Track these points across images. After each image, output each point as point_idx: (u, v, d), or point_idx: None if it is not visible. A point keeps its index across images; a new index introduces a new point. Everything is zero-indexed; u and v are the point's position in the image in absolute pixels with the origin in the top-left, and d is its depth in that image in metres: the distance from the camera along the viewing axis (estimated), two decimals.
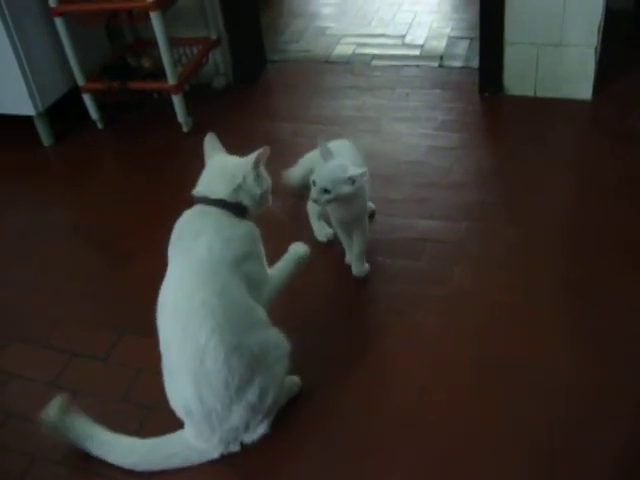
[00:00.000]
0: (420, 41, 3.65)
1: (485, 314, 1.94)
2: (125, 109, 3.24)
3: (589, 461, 1.53)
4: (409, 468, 1.57)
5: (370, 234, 2.08)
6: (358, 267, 2.09)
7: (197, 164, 1.69)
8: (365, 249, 2.07)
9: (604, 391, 1.68)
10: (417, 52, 3.54)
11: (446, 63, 3.38)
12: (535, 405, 1.67)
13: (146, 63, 3.13)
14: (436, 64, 3.38)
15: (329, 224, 2.15)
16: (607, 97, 2.86)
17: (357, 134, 2.74)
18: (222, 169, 1.64)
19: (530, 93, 2.94)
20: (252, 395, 1.55)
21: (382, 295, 2.08)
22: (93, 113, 3.11)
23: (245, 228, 1.62)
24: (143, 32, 3.28)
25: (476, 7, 2.93)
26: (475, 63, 3.13)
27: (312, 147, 2.09)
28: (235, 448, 1.62)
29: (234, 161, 1.66)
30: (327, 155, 1.87)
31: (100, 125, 3.15)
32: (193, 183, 1.65)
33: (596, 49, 2.75)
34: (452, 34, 3.68)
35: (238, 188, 1.61)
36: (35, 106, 2.91)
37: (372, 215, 2.30)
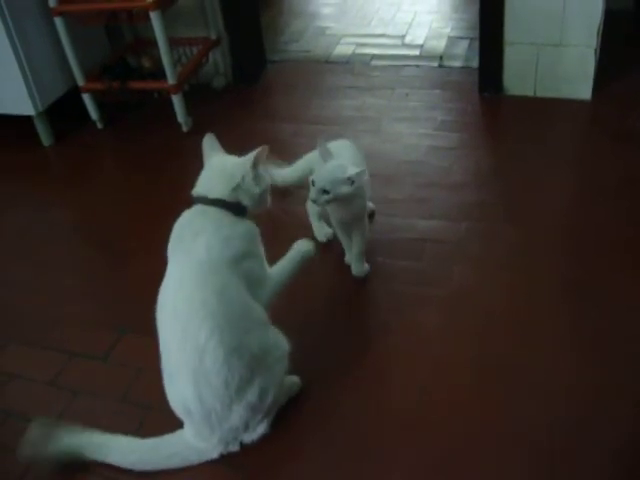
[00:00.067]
0: (420, 41, 3.65)
1: (485, 314, 1.94)
2: (125, 109, 3.24)
3: (589, 461, 1.53)
4: (409, 468, 1.57)
5: (370, 234, 2.08)
6: (358, 267, 2.09)
7: (197, 164, 1.69)
8: (365, 249, 2.07)
9: (604, 391, 1.68)
10: (417, 52, 3.54)
11: (446, 63, 3.38)
12: (535, 405, 1.67)
13: (146, 63, 3.13)
14: (436, 64, 3.39)
15: (329, 224, 2.15)
16: (607, 97, 2.86)
17: (357, 134, 2.74)
18: (221, 169, 1.64)
19: (530, 93, 2.94)
20: (252, 395, 1.55)
21: (382, 295, 2.08)
22: (93, 113, 3.11)
23: (245, 227, 1.62)
24: (143, 32, 3.28)
25: (476, 7, 2.93)
26: (475, 63, 3.13)
27: (312, 147, 2.09)
28: (235, 448, 1.62)
29: (233, 161, 1.66)
30: (326, 155, 1.87)
31: (100, 125, 3.15)
32: (193, 183, 1.65)
33: (596, 49, 2.75)
34: (452, 34, 3.68)
35: (237, 188, 1.61)
36: (35, 106, 2.91)
37: (372, 215, 2.30)
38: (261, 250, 1.66)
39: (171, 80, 2.90)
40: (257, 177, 1.64)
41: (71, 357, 1.97)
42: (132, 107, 3.24)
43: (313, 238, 2.19)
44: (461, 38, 3.61)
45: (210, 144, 1.70)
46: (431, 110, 2.99)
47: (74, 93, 3.07)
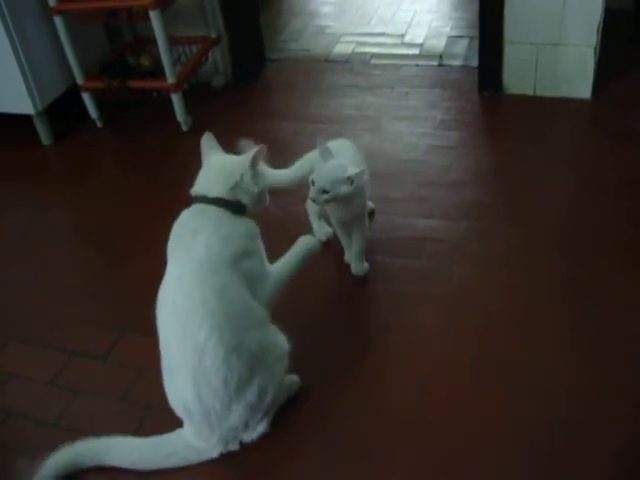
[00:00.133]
0: (419, 40, 3.65)
1: (485, 313, 1.94)
2: (124, 108, 3.24)
3: (589, 461, 1.54)
4: (409, 468, 1.57)
5: (370, 233, 2.08)
6: (357, 266, 2.09)
7: (196, 163, 1.69)
8: (364, 248, 2.07)
9: (604, 391, 1.68)
10: (416, 51, 3.54)
11: (445, 62, 3.38)
12: (535, 405, 1.67)
13: (145, 62, 3.13)
14: (435, 63, 3.38)
15: (328, 223, 2.15)
16: (606, 97, 2.86)
17: (356, 133, 2.74)
18: (220, 168, 1.64)
19: (529, 92, 2.94)
20: (251, 394, 1.55)
21: (381, 294, 2.08)
22: (92, 112, 3.10)
23: (244, 226, 1.62)
24: (142, 31, 3.28)
25: (475, 6, 2.93)
26: (474, 62, 3.13)
27: (312, 146, 2.09)
28: (234, 447, 1.62)
29: (231, 159, 1.66)
30: (326, 155, 1.87)
31: (99, 124, 3.14)
32: (192, 182, 1.65)
33: (595, 48, 2.75)
34: (451, 33, 3.68)
35: (236, 186, 1.61)
36: (34, 105, 2.91)
37: (372, 214, 2.30)
38: (261, 248, 1.66)
39: (170, 79, 2.89)
40: (256, 176, 1.64)
41: (71, 357, 1.97)
42: (131, 106, 3.24)
43: None
44: (461, 37, 3.61)
45: (208, 143, 1.70)
46: (431, 109, 2.99)
47: (73, 92, 3.07)
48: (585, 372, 1.73)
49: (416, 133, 2.83)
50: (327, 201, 1.86)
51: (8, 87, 2.87)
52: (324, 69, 3.49)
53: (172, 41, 2.96)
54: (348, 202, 1.91)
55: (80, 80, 3.01)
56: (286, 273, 1.69)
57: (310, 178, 1.86)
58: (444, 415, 1.68)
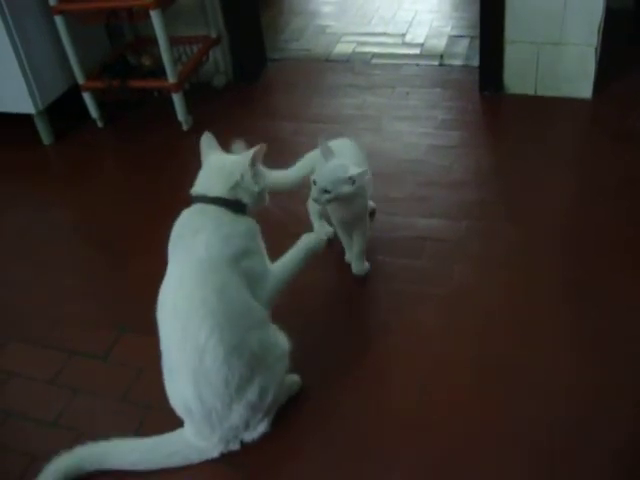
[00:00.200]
0: (420, 40, 3.65)
1: (485, 313, 1.94)
2: (125, 107, 3.24)
3: (589, 461, 1.53)
4: (409, 468, 1.57)
5: (370, 233, 2.08)
6: (358, 266, 2.09)
7: (197, 163, 1.69)
8: (365, 248, 2.07)
9: (604, 391, 1.68)
10: (417, 51, 3.53)
11: (446, 62, 3.38)
12: (535, 405, 1.67)
13: (146, 61, 3.13)
14: (436, 63, 3.38)
15: (329, 223, 2.15)
16: (607, 96, 2.86)
17: (357, 133, 2.74)
18: (220, 167, 1.64)
19: (530, 92, 2.94)
20: (252, 394, 1.55)
21: (382, 294, 2.08)
22: (93, 111, 3.10)
23: (245, 225, 1.62)
24: (143, 30, 3.28)
25: (476, 6, 2.93)
26: (475, 62, 3.13)
27: (312, 146, 2.09)
28: (235, 447, 1.62)
29: (231, 159, 1.66)
30: (328, 154, 1.87)
31: (100, 124, 3.14)
32: (193, 182, 1.65)
33: (596, 48, 2.75)
34: (452, 33, 3.67)
35: (236, 185, 1.61)
36: (35, 104, 2.91)
37: (372, 214, 2.30)
38: (262, 247, 1.66)
39: (171, 79, 2.90)
40: (256, 175, 1.64)
41: (71, 356, 1.97)
42: (132, 106, 3.24)
43: None
44: (461, 37, 3.60)
45: (208, 143, 1.69)
46: (431, 109, 2.99)
47: (74, 92, 3.07)
48: (585, 372, 1.73)
49: (417, 133, 2.83)
50: (329, 201, 1.86)
51: (9, 86, 2.87)
52: (325, 69, 3.49)
53: (173, 41, 2.96)
54: (349, 202, 1.91)
55: (81, 80, 3.01)
56: (287, 272, 1.68)
57: (312, 178, 1.86)
58: (444, 415, 1.67)
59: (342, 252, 2.14)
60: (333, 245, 2.18)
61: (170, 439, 1.63)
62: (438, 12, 4.00)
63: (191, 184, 1.65)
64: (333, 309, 2.06)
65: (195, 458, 1.61)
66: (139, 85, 3.02)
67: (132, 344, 1.98)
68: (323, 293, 2.11)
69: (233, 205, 1.61)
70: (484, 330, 1.89)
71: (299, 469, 1.61)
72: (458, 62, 3.35)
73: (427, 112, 2.97)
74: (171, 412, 1.60)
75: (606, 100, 2.84)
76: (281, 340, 1.65)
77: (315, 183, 1.83)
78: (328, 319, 2.01)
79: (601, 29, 2.71)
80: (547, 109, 2.86)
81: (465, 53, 3.42)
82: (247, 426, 1.60)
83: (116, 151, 3.12)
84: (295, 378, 1.75)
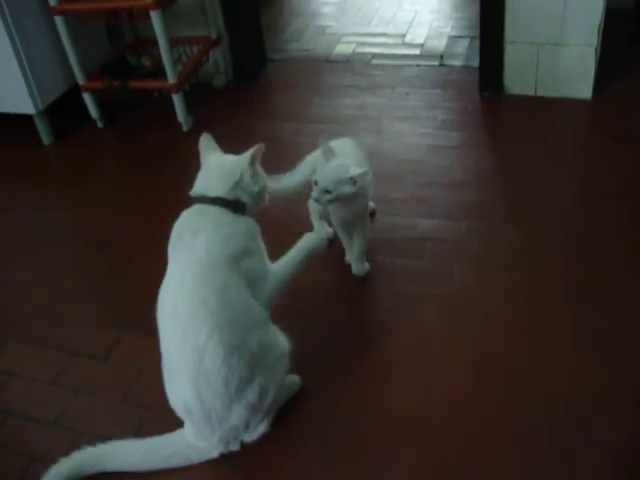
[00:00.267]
0: (420, 40, 3.65)
1: (485, 314, 1.94)
2: (125, 108, 3.24)
3: (589, 461, 1.53)
4: (409, 468, 1.57)
5: (370, 233, 2.08)
6: (358, 266, 2.09)
7: (197, 163, 1.69)
8: (365, 248, 2.07)
9: (604, 391, 1.68)
10: (417, 51, 3.54)
11: (446, 62, 3.38)
12: (535, 405, 1.67)
13: (146, 62, 3.13)
14: (436, 63, 3.38)
15: (329, 223, 2.15)
16: (607, 97, 2.86)
17: (357, 133, 2.73)
18: (219, 167, 1.64)
19: (530, 92, 2.94)
20: (252, 394, 1.55)
21: (382, 294, 2.08)
22: (93, 112, 3.11)
23: (245, 224, 1.62)
24: (143, 31, 3.28)
25: (476, 6, 2.93)
26: (475, 62, 3.13)
27: (313, 146, 2.09)
28: (235, 447, 1.62)
29: (230, 159, 1.66)
30: (329, 154, 1.87)
31: (100, 124, 3.15)
32: (193, 182, 1.65)
33: (596, 48, 2.75)
34: (452, 33, 3.68)
35: (236, 185, 1.61)
36: (35, 105, 2.91)
37: (373, 214, 2.30)
38: (262, 247, 1.65)
39: (171, 79, 2.90)
40: (255, 174, 1.64)
41: (72, 356, 1.97)
42: (132, 106, 3.24)
43: None
44: (461, 37, 3.61)
45: (206, 143, 1.69)
46: (431, 109, 2.99)
47: (74, 92, 3.07)
48: (585, 372, 1.73)
49: (417, 133, 2.83)
50: (330, 201, 1.85)
51: (9, 87, 2.87)
52: (325, 69, 3.49)
53: (173, 41, 2.97)
54: (350, 202, 1.91)
55: (81, 80, 3.01)
56: (287, 273, 1.68)
57: (313, 178, 1.86)
58: (444, 415, 1.67)
59: (342, 252, 2.14)
60: (333, 245, 2.18)
61: (170, 440, 1.63)
62: (438, 12, 4.00)
63: (191, 184, 1.65)
64: (333, 309, 2.06)
65: (195, 459, 1.61)
66: (139, 85, 3.02)
67: (132, 344, 1.98)
68: (323, 293, 2.11)
69: (233, 205, 1.61)
70: (484, 330, 1.89)
71: (299, 469, 1.61)
72: (458, 62, 3.36)
73: (427, 112, 2.97)
74: (171, 412, 1.60)
75: (606, 100, 2.84)
76: (281, 340, 1.65)
77: (316, 183, 1.83)
78: (328, 319, 2.01)
79: (601, 29, 2.71)
80: (547, 109, 2.86)
81: (465, 53, 3.42)
82: (247, 427, 1.60)
83: (116, 151, 3.12)
84: (295, 378, 1.75)
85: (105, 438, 1.63)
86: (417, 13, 4.01)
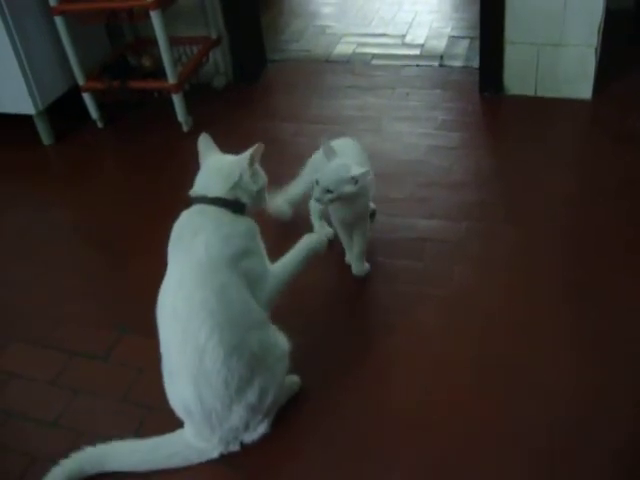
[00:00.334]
0: (420, 41, 3.65)
1: (485, 314, 1.94)
2: (125, 108, 3.24)
3: (589, 461, 1.53)
4: (409, 468, 1.57)
5: (370, 233, 2.08)
6: (358, 267, 2.09)
7: (197, 164, 1.69)
8: (365, 249, 2.07)
9: (604, 391, 1.68)
10: (417, 52, 3.54)
11: (446, 63, 3.38)
12: (535, 405, 1.67)
13: (146, 62, 3.13)
14: (436, 64, 3.38)
15: (329, 223, 2.15)
16: (607, 97, 2.86)
17: (357, 133, 2.72)
18: (218, 168, 1.64)
19: (530, 93, 2.94)
20: (252, 395, 1.55)
21: (382, 295, 2.08)
22: (93, 112, 3.11)
23: (244, 224, 1.62)
24: (143, 31, 3.28)
25: (476, 7, 2.93)
26: (475, 63, 3.13)
27: (313, 146, 2.09)
28: (235, 448, 1.62)
29: (230, 159, 1.66)
30: (330, 154, 1.87)
31: (100, 124, 3.15)
32: (193, 183, 1.65)
33: (596, 49, 2.75)
34: (452, 34, 3.68)
35: (235, 185, 1.61)
36: (35, 105, 2.91)
37: (373, 215, 2.30)
38: (261, 247, 1.65)
39: (171, 79, 2.90)
40: (254, 174, 1.64)
41: (72, 357, 1.97)
42: (132, 106, 3.24)
43: None
44: (461, 38, 3.61)
45: (205, 144, 1.69)
46: (431, 110, 2.99)
47: (74, 92, 3.07)
48: (585, 372, 1.73)
49: (417, 134, 2.83)
50: (331, 201, 1.86)
51: (9, 87, 2.87)
52: (325, 70, 3.49)
53: (173, 41, 2.97)
54: (351, 202, 1.91)
55: (81, 80, 3.01)
56: (287, 273, 1.68)
57: (314, 178, 1.86)
58: (444, 415, 1.67)
59: (342, 253, 2.14)
60: (334, 245, 2.18)
61: (170, 440, 1.63)
62: (438, 13, 4.01)
63: (191, 184, 1.65)
64: (333, 309, 2.06)
65: (195, 459, 1.61)
66: (139, 86, 3.02)
67: (133, 344, 1.97)
68: (323, 293, 2.11)
69: (232, 205, 1.61)
70: (484, 330, 1.89)
71: (299, 469, 1.61)
72: (458, 63, 3.36)
73: (427, 113, 2.97)
74: (171, 413, 1.60)
75: (606, 101, 2.84)
76: (281, 341, 1.64)
77: (318, 183, 1.83)
78: (328, 319, 2.01)
79: (601, 30, 2.71)
80: (547, 110, 2.86)
81: (465, 54, 3.42)
82: (247, 427, 1.60)
83: (116, 151, 3.12)
84: (295, 379, 1.75)
85: (105, 438, 1.63)
86: (417, 13, 4.01)
